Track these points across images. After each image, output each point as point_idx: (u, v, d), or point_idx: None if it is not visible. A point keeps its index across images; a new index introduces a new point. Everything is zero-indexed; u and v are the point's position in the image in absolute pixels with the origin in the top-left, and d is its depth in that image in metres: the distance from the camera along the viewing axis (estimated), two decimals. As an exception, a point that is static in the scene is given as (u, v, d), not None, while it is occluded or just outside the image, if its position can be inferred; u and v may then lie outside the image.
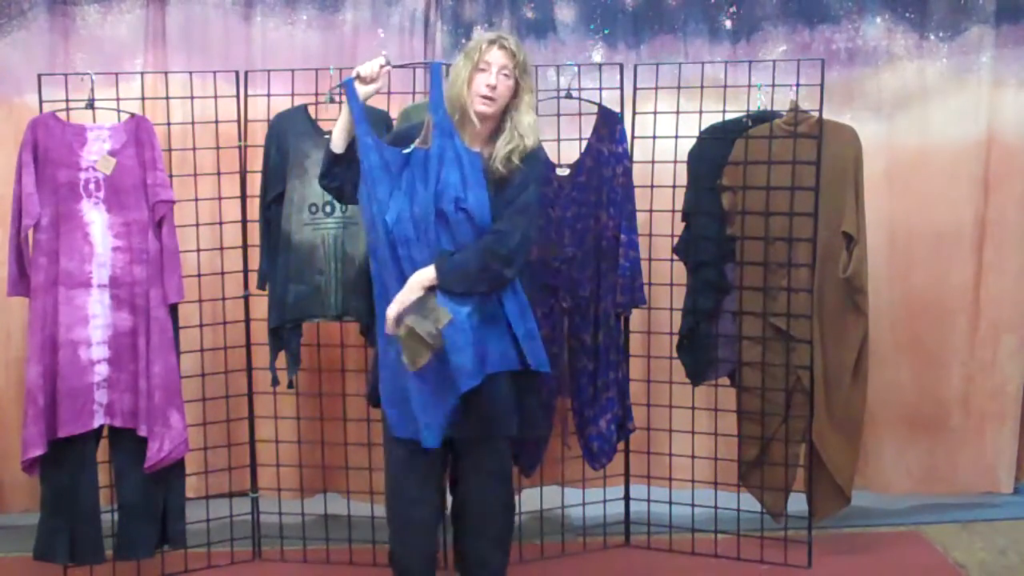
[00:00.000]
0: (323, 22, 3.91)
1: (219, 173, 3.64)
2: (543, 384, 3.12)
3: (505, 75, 2.83)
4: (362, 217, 2.97)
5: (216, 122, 3.59)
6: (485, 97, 2.82)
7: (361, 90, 2.86)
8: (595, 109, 3.62)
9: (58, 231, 3.22)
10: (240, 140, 3.63)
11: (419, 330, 2.74)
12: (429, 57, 3.91)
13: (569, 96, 3.61)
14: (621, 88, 3.68)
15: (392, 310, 2.78)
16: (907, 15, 3.98)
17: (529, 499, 3.80)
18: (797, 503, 3.69)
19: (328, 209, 3.47)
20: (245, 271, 3.64)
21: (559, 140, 3.63)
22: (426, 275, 2.78)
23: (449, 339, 2.75)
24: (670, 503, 3.81)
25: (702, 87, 3.63)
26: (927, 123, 3.98)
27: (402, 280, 2.82)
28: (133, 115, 3.35)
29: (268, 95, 3.62)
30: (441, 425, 2.82)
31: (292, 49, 3.88)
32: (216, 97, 3.58)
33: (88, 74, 3.37)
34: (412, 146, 2.86)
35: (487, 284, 2.80)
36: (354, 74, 2.86)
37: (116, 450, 3.32)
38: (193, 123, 3.59)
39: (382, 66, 2.87)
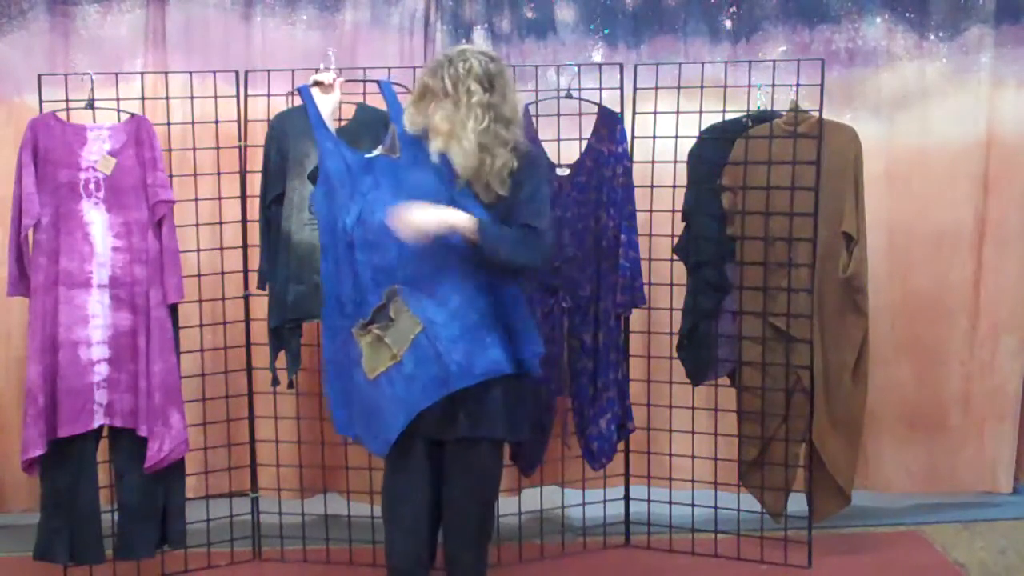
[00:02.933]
0: (323, 22, 3.90)
1: (219, 173, 3.64)
2: (534, 390, 3.08)
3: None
4: (316, 219, 3.03)
5: (216, 122, 3.59)
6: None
7: (322, 98, 3.01)
8: (595, 109, 3.62)
9: (58, 231, 3.22)
10: (240, 140, 3.62)
11: (386, 338, 2.74)
12: (430, 58, 3.90)
13: (569, 96, 3.61)
14: (621, 88, 3.68)
15: (414, 216, 2.74)
16: (907, 15, 3.98)
17: (529, 499, 3.80)
18: (797, 503, 3.69)
19: (328, 209, 3.47)
20: (245, 271, 3.64)
21: (559, 140, 3.63)
22: (461, 221, 2.74)
23: (424, 347, 2.76)
24: (670, 503, 3.81)
25: (702, 87, 3.63)
26: (927, 123, 3.98)
27: (357, 284, 2.86)
28: (133, 115, 3.35)
29: (268, 95, 3.62)
30: (390, 437, 2.84)
31: (292, 49, 3.87)
32: (216, 97, 3.58)
33: (88, 74, 3.37)
34: (376, 152, 2.92)
35: (514, 266, 2.85)
36: (310, 81, 3.03)
37: (116, 450, 3.32)
38: (193, 123, 3.59)
39: (335, 77, 3.05)
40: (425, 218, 2.74)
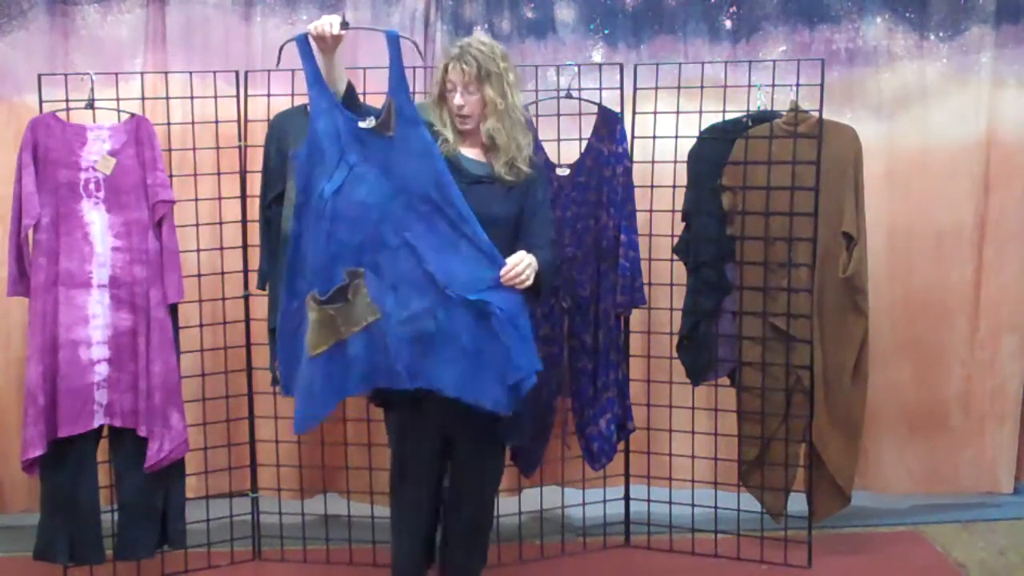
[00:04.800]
0: (323, 22, 3.90)
1: (219, 173, 3.64)
2: (534, 395, 3.06)
3: (470, 92, 2.81)
4: (295, 179, 2.91)
5: (216, 122, 3.59)
6: (459, 116, 2.84)
7: (320, 54, 2.79)
8: (595, 109, 3.62)
9: (58, 231, 3.22)
10: (240, 140, 3.63)
11: (337, 318, 2.71)
12: (430, 58, 3.90)
13: (569, 96, 3.61)
14: (621, 88, 3.68)
15: (520, 266, 2.75)
16: (907, 15, 3.98)
17: (529, 499, 3.80)
18: (797, 503, 3.69)
19: (328, 209, 3.46)
20: (245, 271, 3.64)
21: (559, 140, 3.63)
22: (535, 263, 2.79)
23: (376, 336, 2.74)
24: (670, 503, 3.81)
25: (702, 87, 3.63)
26: (927, 123, 3.98)
27: (320, 252, 2.76)
28: (133, 115, 3.35)
29: (268, 95, 3.62)
30: (319, 416, 2.84)
31: (292, 49, 3.85)
32: (216, 97, 3.58)
33: (88, 74, 3.37)
34: (370, 122, 2.79)
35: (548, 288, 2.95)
36: (307, 31, 2.78)
37: (116, 450, 3.32)
38: (193, 123, 3.59)
39: (336, 29, 2.71)
40: (524, 265, 2.75)
